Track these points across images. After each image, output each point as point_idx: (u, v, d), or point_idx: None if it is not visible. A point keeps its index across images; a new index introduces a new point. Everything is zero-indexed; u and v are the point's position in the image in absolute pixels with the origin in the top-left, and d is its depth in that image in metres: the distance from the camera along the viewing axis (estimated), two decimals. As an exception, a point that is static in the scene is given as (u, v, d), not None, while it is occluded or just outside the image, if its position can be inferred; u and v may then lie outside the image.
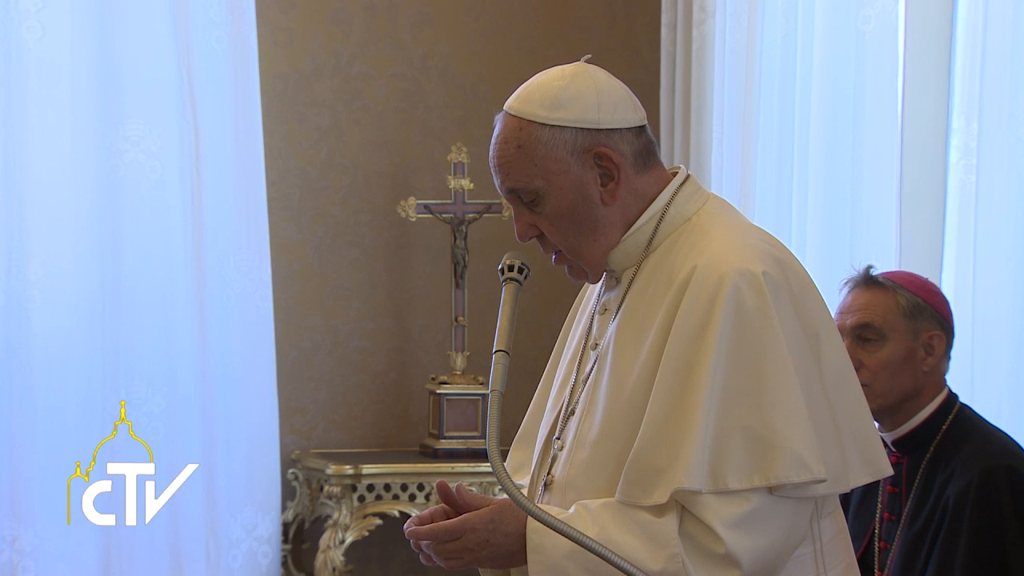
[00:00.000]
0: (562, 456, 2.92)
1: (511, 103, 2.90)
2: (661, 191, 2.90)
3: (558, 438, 2.96)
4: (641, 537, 2.72)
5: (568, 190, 2.85)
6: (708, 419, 2.71)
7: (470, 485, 5.83)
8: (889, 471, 2.92)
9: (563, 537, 2.68)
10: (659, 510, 2.73)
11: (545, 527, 2.70)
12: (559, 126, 2.85)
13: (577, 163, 2.85)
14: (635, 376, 2.82)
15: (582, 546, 2.63)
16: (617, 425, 2.82)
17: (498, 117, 2.92)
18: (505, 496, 2.76)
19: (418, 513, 2.98)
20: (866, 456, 2.86)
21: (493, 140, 2.91)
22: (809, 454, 2.71)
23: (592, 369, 2.92)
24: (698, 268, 2.78)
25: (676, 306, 2.78)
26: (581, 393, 2.93)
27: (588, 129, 2.85)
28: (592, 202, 2.86)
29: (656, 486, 2.73)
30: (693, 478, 2.70)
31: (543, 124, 2.85)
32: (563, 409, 2.98)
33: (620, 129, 2.88)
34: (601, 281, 3.00)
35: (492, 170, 2.92)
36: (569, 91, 2.87)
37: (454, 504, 2.92)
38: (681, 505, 2.72)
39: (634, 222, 2.89)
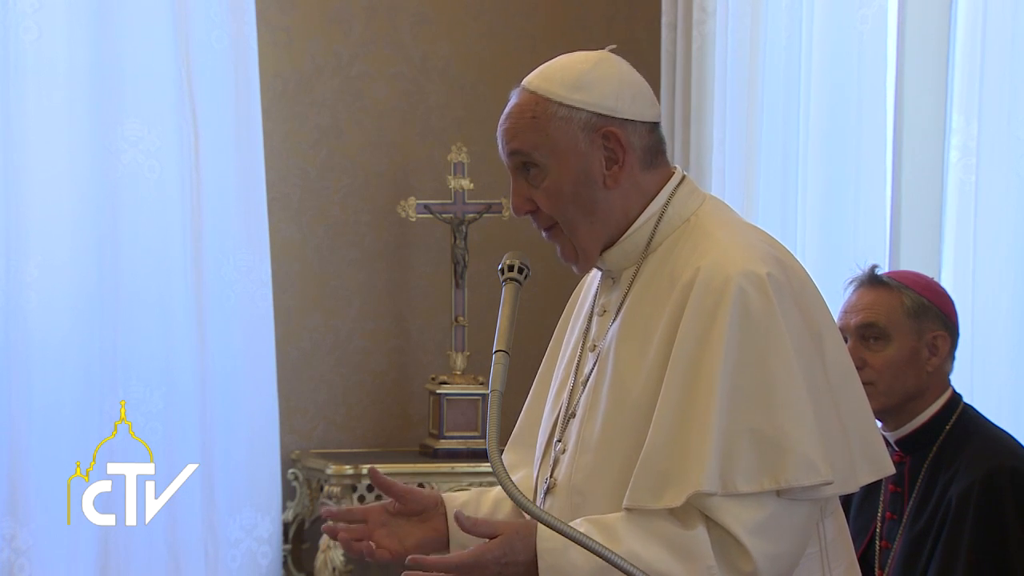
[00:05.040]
0: (564, 459, 2.91)
1: (530, 79, 2.90)
2: (661, 190, 2.90)
3: (559, 441, 2.94)
4: (671, 550, 2.70)
5: (572, 167, 2.85)
6: (716, 422, 2.70)
7: (469, 485, 5.83)
8: (891, 470, 2.92)
9: (580, 558, 2.66)
10: (685, 522, 2.71)
11: (558, 548, 2.68)
12: (576, 107, 2.86)
13: (586, 141, 2.85)
14: (641, 380, 2.80)
15: (599, 556, 2.59)
16: (622, 428, 2.81)
17: (514, 92, 2.91)
18: (508, 520, 2.74)
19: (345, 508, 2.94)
20: (869, 455, 2.86)
21: (505, 111, 2.90)
22: (817, 456, 2.71)
23: (592, 371, 2.91)
24: (701, 270, 2.78)
25: (680, 309, 2.78)
26: (581, 395, 2.91)
27: (603, 115, 2.86)
28: (594, 182, 2.86)
29: (665, 489, 2.71)
30: (708, 481, 2.69)
31: (560, 103, 2.86)
32: (563, 412, 2.96)
33: (635, 121, 2.88)
34: (597, 281, 3.00)
35: (499, 138, 2.91)
36: (592, 75, 2.88)
37: (392, 491, 2.92)
38: (704, 515, 2.71)
39: (634, 219, 2.89)
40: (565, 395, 2.97)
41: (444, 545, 2.95)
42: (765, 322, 2.74)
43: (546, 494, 2.94)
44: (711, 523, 2.71)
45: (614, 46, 2.98)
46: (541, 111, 2.86)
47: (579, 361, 2.97)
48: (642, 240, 2.89)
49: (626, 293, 2.90)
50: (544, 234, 2.93)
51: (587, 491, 2.84)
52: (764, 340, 2.73)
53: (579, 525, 2.73)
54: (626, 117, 2.87)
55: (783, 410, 2.71)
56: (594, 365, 2.91)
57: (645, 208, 2.89)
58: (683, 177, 2.94)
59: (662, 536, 2.71)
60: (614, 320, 2.90)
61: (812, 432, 2.72)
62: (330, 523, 2.98)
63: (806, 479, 2.71)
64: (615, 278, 2.93)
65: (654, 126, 2.92)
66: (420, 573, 2.75)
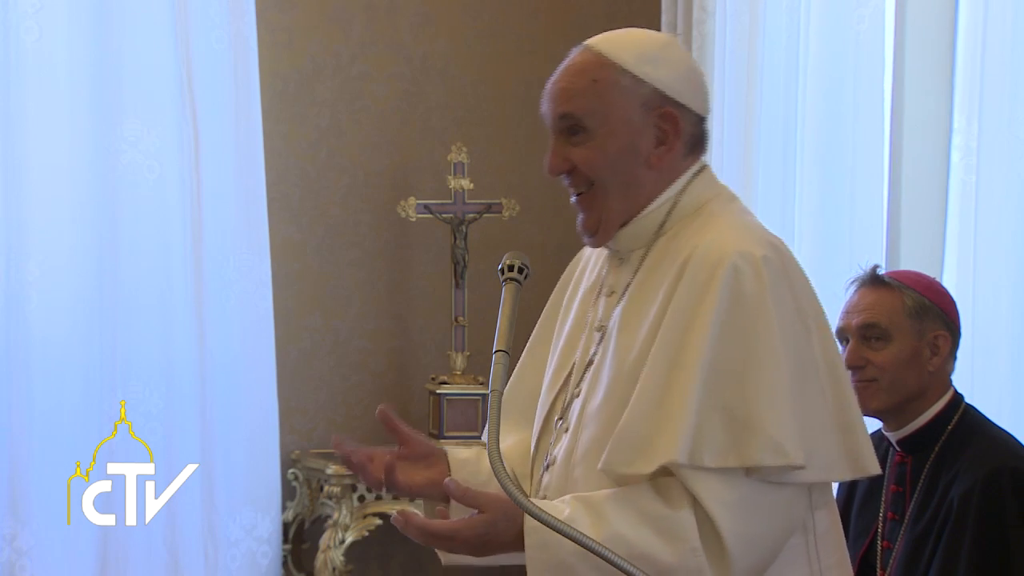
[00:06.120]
0: (566, 437, 2.90)
1: (597, 41, 2.87)
2: (680, 177, 2.89)
3: (560, 419, 2.94)
4: (656, 531, 2.70)
5: (621, 138, 2.84)
6: (694, 396, 2.70)
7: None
8: (875, 470, 2.90)
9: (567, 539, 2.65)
10: (672, 502, 2.71)
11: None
12: (642, 79, 2.83)
13: (641, 116, 2.84)
14: (634, 353, 2.81)
15: (589, 550, 2.58)
16: (617, 402, 2.81)
17: (575, 50, 2.88)
18: (496, 491, 2.73)
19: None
20: (851, 451, 2.84)
21: (562, 68, 2.87)
22: (787, 439, 2.70)
23: (596, 351, 2.90)
24: (699, 247, 2.79)
25: (676, 284, 2.78)
26: (586, 374, 2.91)
27: (667, 95, 2.84)
28: (638, 158, 2.85)
29: (638, 457, 2.72)
30: (680, 452, 2.69)
31: (627, 71, 2.83)
32: (565, 390, 2.95)
33: (691, 109, 2.88)
34: (594, 261, 2.99)
35: (549, 95, 2.87)
36: (663, 53, 2.87)
37: (399, 432, 2.94)
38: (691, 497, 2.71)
39: (653, 200, 2.87)
40: (567, 375, 2.97)
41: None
42: (755, 302, 2.74)
43: (545, 470, 2.94)
44: (697, 505, 2.71)
45: (679, 34, 2.97)
46: (604, 76, 2.83)
47: (584, 342, 2.96)
48: (653, 224, 2.89)
49: (634, 274, 2.89)
50: (573, 198, 2.90)
51: (585, 463, 2.84)
52: (752, 320, 2.73)
53: (567, 503, 2.73)
54: (685, 103, 2.86)
55: (758, 390, 2.71)
56: (599, 345, 2.90)
57: (663, 192, 2.88)
58: (704, 167, 2.93)
59: (648, 516, 2.71)
60: (620, 301, 2.89)
61: (785, 415, 2.71)
62: (346, 451, 2.96)
63: (771, 460, 2.70)
64: (623, 258, 2.92)
65: (702, 119, 2.91)
66: (402, 521, 2.76)
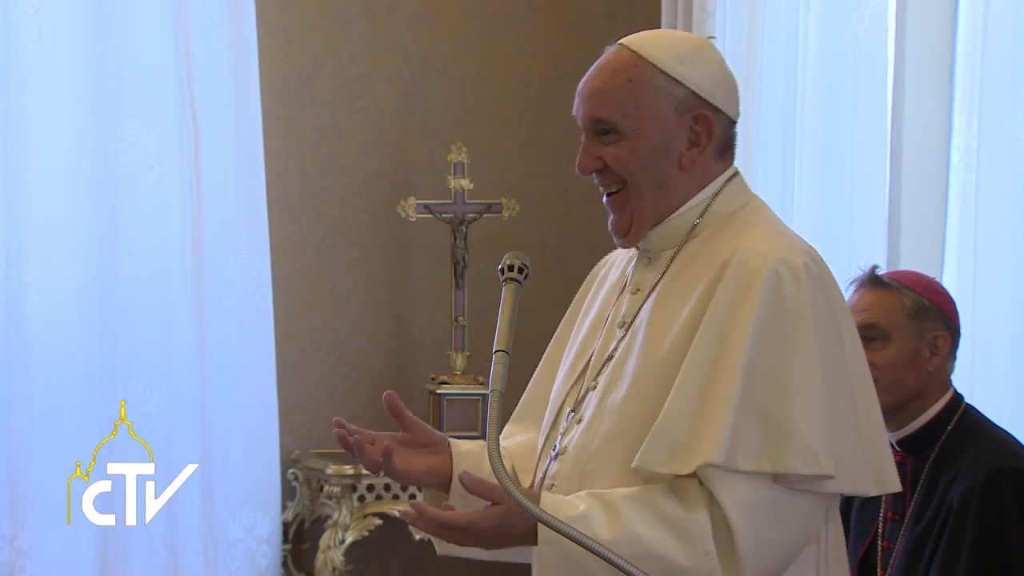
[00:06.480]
0: (578, 428, 2.89)
1: (632, 40, 2.86)
2: (714, 181, 2.89)
3: (573, 411, 2.92)
4: (671, 532, 2.70)
5: (653, 139, 2.83)
6: (732, 398, 2.70)
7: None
8: (896, 488, 2.90)
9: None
10: (688, 505, 2.71)
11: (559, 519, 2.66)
12: (677, 80, 2.83)
13: (675, 117, 2.84)
14: (665, 350, 2.80)
15: (596, 554, 2.56)
16: (642, 397, 2.80)
17: (609, 48, 2.87)
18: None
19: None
20: (875, 465, 2.84)
21: (596, 67, 2.85)
22: (820, 447, 2.71)
23: (618, 346, 2.89)
24: (740, 251, 2.78)
25: (715, 285, 2.78)
26: (605, 369, 2.90)
27: (701, 97, 2.84)
28: (670, 159, 2.84)
29: (674, 457, 2.71)
30: (719, 454, 2.68)
31: (662, 71, 2.82)
32: (580, 383, 2.94)
33: (723, 112, 2.88)
34: (617, 265, 2.99)
35: (580, 93, 2.86)
36: (699, 54, 2.86)
37: (403, 418, 2.94)
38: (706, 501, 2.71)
39: (686, 202, 2.87)
40: (583, 369, 2.95)
41: (448, 478, 2.96)
42: (795, 309, 2.74)
43: (553, 459, 2.92)
44: (714, 507, 2.70)
45: (714, 36, 2.97)
46: (639, 75, 2.82)
47: (604, 337, 2.94)
48: (685, 225, 2.88)
49: (663, 273, 2.88)
50: (605, 198, 2.90)
51: (602, 457, 2.82)
52: (790, 327, 2.73)
53: (582, 500, 2.73)
54: (718, 105, 2.87)
55: (795, 398, 2.71)
56: (622, 341, 2.89)
57: (696, 194, 2.88)
58: (736, 172, 2.94)
59: (664, 517, 2.71)
60: (648, 298, 2.89)
61: (819, 424, 2.71)
62: (342, 431, 2.95)
63: (804, 468, 2.70)
64: (652, 258, 2.92)
65: (733, 123, 2.92)
66: (414, 514, 2.74)
